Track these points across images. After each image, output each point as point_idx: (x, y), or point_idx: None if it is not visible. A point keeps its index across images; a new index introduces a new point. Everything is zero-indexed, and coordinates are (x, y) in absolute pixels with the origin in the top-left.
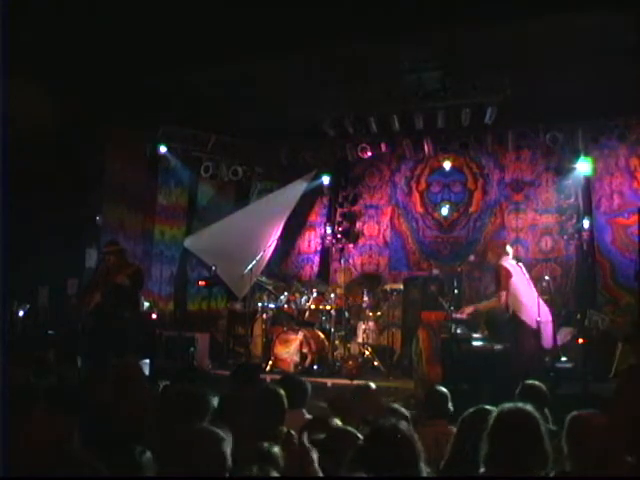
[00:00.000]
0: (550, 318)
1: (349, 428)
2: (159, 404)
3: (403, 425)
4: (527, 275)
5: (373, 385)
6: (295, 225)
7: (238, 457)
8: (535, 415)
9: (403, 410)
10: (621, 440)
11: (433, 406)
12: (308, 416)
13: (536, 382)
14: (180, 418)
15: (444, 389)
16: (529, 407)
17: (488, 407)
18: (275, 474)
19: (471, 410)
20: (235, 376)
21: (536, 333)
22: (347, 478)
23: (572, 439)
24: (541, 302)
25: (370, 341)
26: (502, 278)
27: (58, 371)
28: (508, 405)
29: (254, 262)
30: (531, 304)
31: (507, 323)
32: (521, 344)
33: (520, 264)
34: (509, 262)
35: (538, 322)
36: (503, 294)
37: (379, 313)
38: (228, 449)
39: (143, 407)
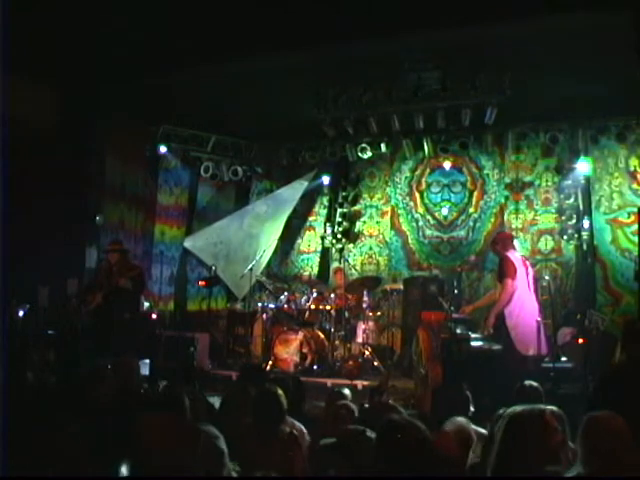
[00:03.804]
0: (535, 324)
1: (360, 428)
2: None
3: (417, 421)
4: (530, 274)
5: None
6: (295, 225)
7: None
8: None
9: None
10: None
11: (453, 407)
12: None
13: (533, 382)
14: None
15: (465, 389)
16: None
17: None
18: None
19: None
20: (243, 377)
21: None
22: (347, 478)
23: (587, 441)
24: (534, 307)
25: (370, 341)
26: (508, 267)
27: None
28: (521, 407)
29: (254, 262)
30: (520, 305)
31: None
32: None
33: (527, 262)
34: (515, 255)
35: (523, 325)
36: (508, 281)
37: (379, 313)
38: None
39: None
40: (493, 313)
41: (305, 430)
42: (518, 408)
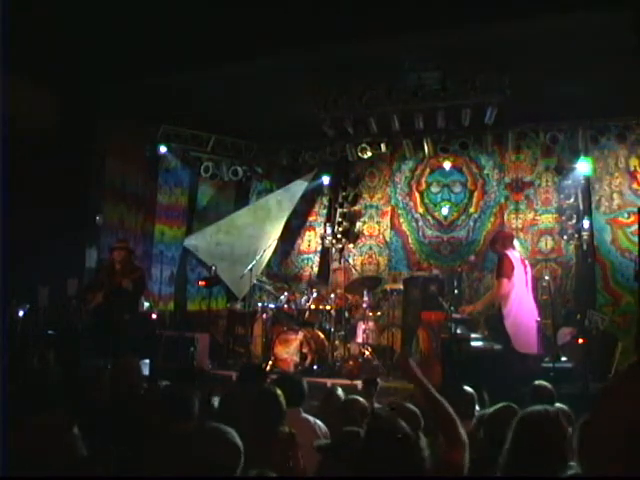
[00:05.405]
0: (535, 324)
1: (355, 429)
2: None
3: (402, 422)
4: (529, 273)
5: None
6: (295, 225)
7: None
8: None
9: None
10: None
11: (455, 407)
12: (304, 415)
13: (544, 382)
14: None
15: (469, 388)
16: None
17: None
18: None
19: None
20: (241, 377)
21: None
22: (347, 478)
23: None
24: (531, 306)
25: (370, 341)
26: (506, 266)
27: (58, 371)
28: (534, 408)
29: (254, 262)
30: (517, 304)
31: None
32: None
33: (526, 261)
34: (513, 254)
35: (519, 324)
36: (504, 281)
37: (379, 313)
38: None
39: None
40: (483, 301)
41: (324, 426)
42: (530, 409)
